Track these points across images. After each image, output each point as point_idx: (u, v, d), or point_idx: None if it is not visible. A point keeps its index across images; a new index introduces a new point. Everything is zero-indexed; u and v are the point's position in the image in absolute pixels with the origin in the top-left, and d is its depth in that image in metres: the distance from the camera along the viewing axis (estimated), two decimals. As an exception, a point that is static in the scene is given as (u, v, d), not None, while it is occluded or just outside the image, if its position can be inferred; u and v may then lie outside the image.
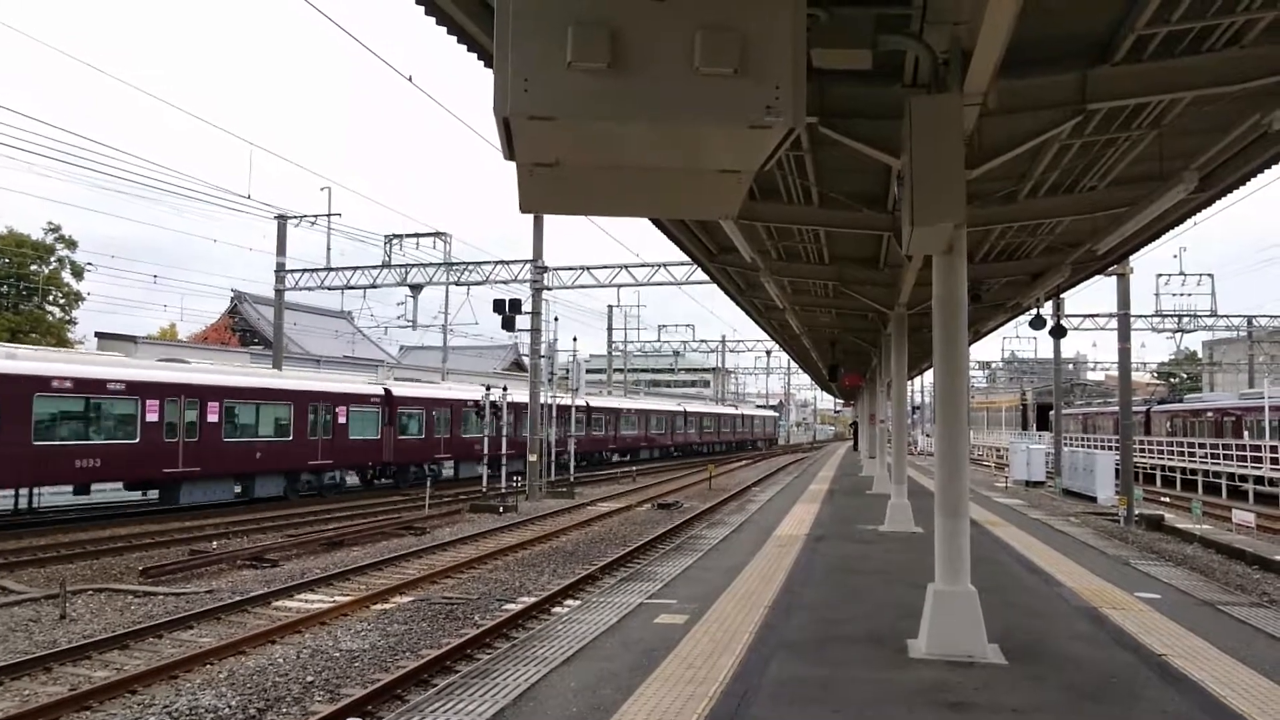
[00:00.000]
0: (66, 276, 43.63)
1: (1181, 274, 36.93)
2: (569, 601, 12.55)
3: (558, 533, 20.97)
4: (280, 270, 33.17)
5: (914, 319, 16.75)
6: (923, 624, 7.25)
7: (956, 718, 5.75)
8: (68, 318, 44.52)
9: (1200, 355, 76.20)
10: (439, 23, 6.19)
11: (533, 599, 12.89)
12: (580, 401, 42.74)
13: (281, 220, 32.67)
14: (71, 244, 43.34)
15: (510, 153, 4.08)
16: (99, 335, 42.31)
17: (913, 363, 26.17)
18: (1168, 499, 31.50)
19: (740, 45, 3.67)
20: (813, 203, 11.09)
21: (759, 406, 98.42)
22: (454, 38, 6.42)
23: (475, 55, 6.61)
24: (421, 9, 6.02)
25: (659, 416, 59.19)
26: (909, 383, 48.92)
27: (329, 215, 31.75)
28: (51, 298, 43.46)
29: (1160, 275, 37.48)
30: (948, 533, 7.14)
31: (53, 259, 43.02)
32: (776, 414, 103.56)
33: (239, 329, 58.25)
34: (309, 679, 9.25)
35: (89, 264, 43.62)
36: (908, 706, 5.94)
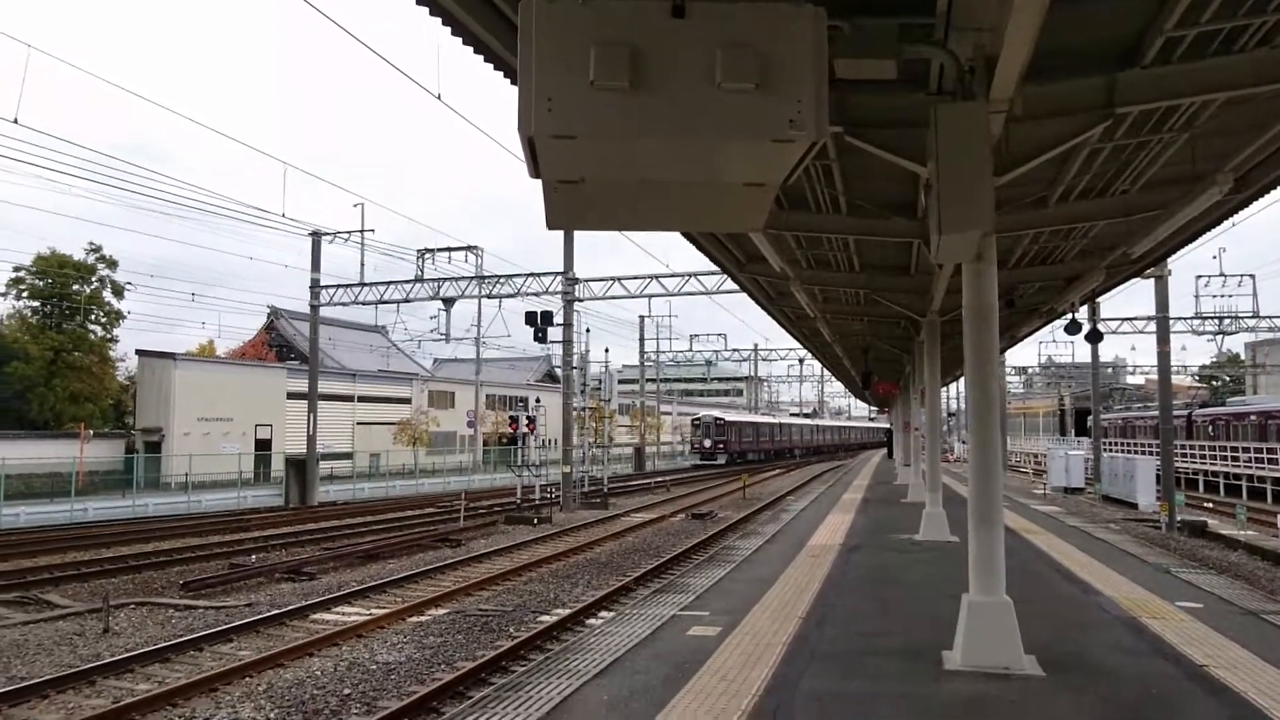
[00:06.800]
0: (107, 295, 44.44)
1: (1222, 274, 36.03)
2: (603, 613, 12.55)
3: (591, 544, 20.99)
4: (315, 286, 33.60)
5: (947, 325, 16.58)
6: (957, 635, 7.16)
7: (993, 730, 5.68)
8: (109, 335, 45.33)
9: (1243, 357, 74.75)
10: (465, 42, 6.29)
11: (566, 611, 12.91)
12: None
13: (316, 237, 33.11)
14: (112, 264, 44.14)
15: (536, 171, 4.14)
16: (139, 353, 43.20)
17: (947, 369, 25.89)
18: (1210, 505, 30.84)
19: (761, 61, 3.69)
20: (841, 211, 11.04)
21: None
22: (480, 56, 6.52)
23: (502, 74, 6.71)
24: (449, 29, 6.12)
25: None
26: (944, 389, 48.46)
27: (362, 231, 32.12)
28: (93, 317, 44.28)
29: (1200, 276, 36.55)
30: (981, 542, 7.07)
31: (94, 279, 43.81)
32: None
33: (275, 344, 59.12)
34: (346, 691, 9.34)
35: (129, 283, 44.36)
36: None
